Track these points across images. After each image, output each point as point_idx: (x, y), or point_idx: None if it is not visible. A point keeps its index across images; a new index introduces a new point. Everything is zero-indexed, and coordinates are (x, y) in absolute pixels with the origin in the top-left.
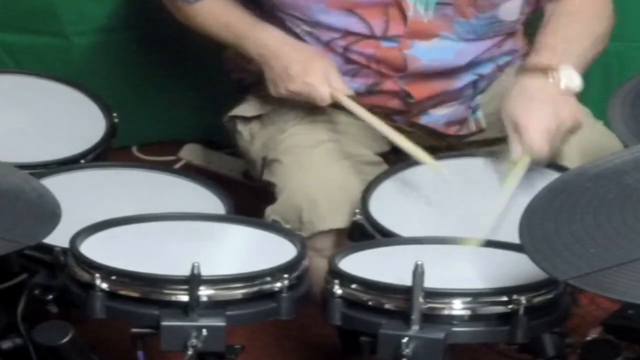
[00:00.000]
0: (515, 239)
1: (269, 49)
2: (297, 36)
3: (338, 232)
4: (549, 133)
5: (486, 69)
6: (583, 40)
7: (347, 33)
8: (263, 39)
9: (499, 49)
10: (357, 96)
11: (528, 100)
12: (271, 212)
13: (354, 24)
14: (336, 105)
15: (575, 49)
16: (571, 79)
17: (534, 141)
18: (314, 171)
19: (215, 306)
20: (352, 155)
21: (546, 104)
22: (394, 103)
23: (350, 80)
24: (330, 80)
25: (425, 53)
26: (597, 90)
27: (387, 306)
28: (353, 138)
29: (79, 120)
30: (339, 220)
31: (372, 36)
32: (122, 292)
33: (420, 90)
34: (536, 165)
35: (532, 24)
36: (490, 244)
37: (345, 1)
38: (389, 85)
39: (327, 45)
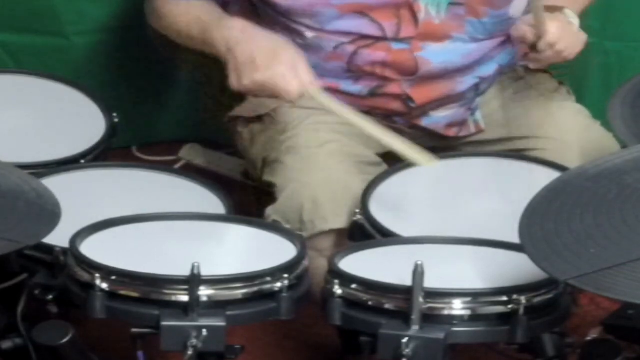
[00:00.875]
0: (515, 238)
1: (235, 37)
2: (302, 42)
3: (338, 232)
4: (564, 39)
5: (488, 70)
6: None
7: (357, 37)
8: (229, 27)
9: (504, 46)
10: (359, 98)
11: (549, 16)
12: (272, 212)
13: (365, 26)
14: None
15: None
16: (574, 19)
17: (554, 36)
18: (315, 171)
19: (215, 306)
20: (353, 155)
21: (563, 21)
22: (395, 105)
23: (352, 84)
24: (299, 72)
25: (436, 55)
26: (597, 90)
27: (387, 306)
28: (354, 138)
29: (79, 120)
30: (340, 220)
31: (383, 38)
32: (122, 292)
33: (422, 95)
34: (534, 159)
35: None
36: (490, 244)
37: (357, 4)
38: (391, 88)
39: (334, 51)
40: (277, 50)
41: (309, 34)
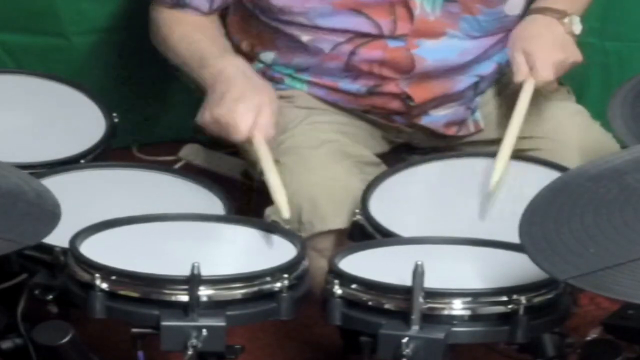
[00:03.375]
0: (515, 238)
1: (224, 75)
2: (300, 44)
3: (338, 233)
4: (555, 63)
5: (487, 69)
6: None
7: (353, 35)
8: (221, 65)
9: (500, 45)
10: (357, 97)
11: (538, 33)
12: (271, 213)
13: (361, 24)
14: (337, 106)
15: (581, 0)
16: (577, 25)
17: (542, 67)
18: (315, 171)
19: (215, 306)
20: (352, 155)
21: (555, 39)
22: (395, 104)
23: (350, 82)
24: (259, 116)
25: (431, 52)
26: (597, 90)
27: (387, 306)
28: (353, 138)
29: (79, 120)
30: (339, 220)
31: (379, 36)
32: (122, 292)
33: (420, 93)
34: (533, 159)
35: None
36: (490, 244)
37: (352, 1)
38: (390, 87)
39: (331, 52)
40: (250, 91)
41: (306, 37)
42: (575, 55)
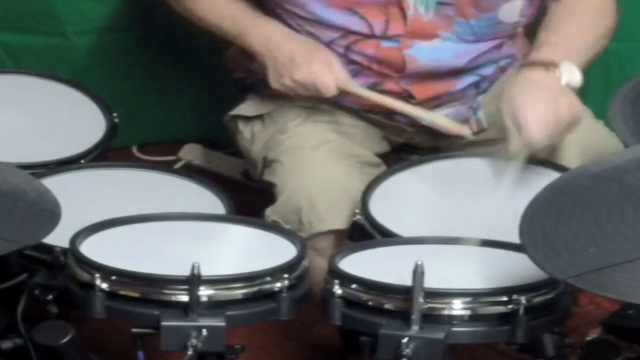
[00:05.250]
0: (515, 238)
1: (273, 41)
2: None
3: (338, 233)
4: (548, 125)
5: (488, 70)
6: (584, 38)
7: (347, 32)
8: (267, 32)
9: (499, 51)
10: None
11: (528, 93)
12: (271, 213)
13: (354, 23)
14: (337, 106)
15: (577, 46)
16: (572, 74)
17: (532, 132)
18: (315, 171)
19: (215, 306)
20: (352, 155)
21: (546, 97)
22: None
23: (352, 79)
24: (334, 70)
25: (424, 53)
26: (597, 90)
27: (387, 306)
28: (354, 138)
29: (79, 120)
30: (339, 221)
31: (372, 35)
32: (122, 292)
33: (421, 91)
34: (532, 159)
35: (535, 29)
36: (490, 244)
37: (345, 0)
38: (390, 85)
39: (329, 46)
40: (314, 51)
41: (306, 27)
42: (571, 112)
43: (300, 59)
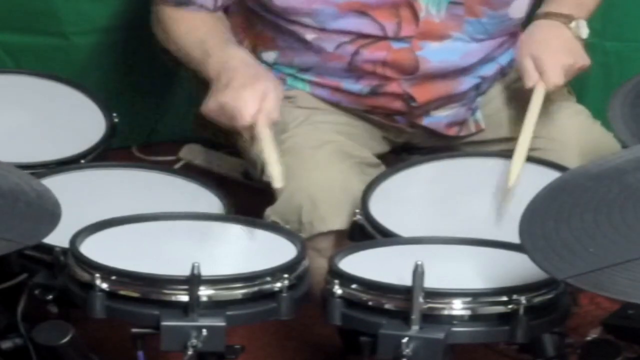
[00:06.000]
0: (515, 238)
1: (228, 65)
2: (303, 43)
3: (338, 233)
4: (564, 68)
5: (489, 70)
6: None
7: (357, 36)
8: (225, 56)
9: (501, 48)
10: (360, 97)
11: (546, 38)
12: (271, 213)
13: (366, 26)
14: (338, 106)
15: (586, 3)
16: (583, 29)
17: (551, 72)
18: (315, 172)
19: (215, 306)
20: (352, 156)
21: (563, 44)
22: (397, 105)
23: (353, 82)
24: (264, 101)
25: (435, 54)
26: (597, 90)
27: (387, 306)
28: (354, 139)
29: (79, 120)
30: (339, 221)
31: (384, 37)
32: (122, 292)
33: (423, 94)
34: (532, 159)
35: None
36: (490, 244)
37: (357, 2)
38: (392, 87)
39: (335, 51)
40: (255, 78)
41: (309, 36)
42: (583, 59)
43: (237, 83)
